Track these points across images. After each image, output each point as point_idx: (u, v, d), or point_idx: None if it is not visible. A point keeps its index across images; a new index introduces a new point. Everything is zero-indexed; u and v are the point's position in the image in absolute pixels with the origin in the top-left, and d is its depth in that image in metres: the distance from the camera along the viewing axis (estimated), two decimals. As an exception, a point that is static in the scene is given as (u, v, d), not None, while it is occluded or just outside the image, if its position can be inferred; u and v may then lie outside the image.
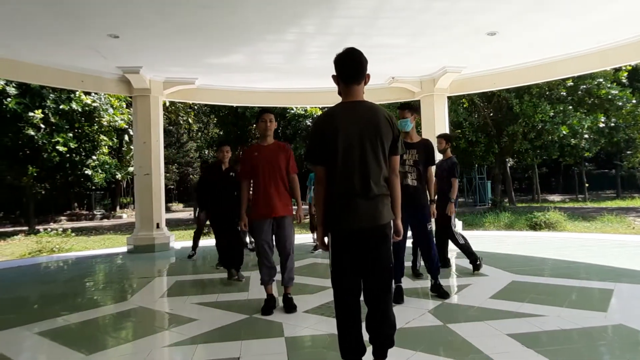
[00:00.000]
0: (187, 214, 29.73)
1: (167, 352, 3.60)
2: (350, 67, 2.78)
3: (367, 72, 2.81)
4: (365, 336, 2.75)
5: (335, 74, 2.83)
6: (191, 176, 43.20)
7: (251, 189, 4.69)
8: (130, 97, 10.09)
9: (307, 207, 10.29)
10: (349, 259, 2.71)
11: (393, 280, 2.84)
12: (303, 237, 11.07)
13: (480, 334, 3.59)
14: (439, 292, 4.83)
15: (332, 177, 2.72)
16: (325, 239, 2.81)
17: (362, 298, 2.76)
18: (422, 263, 5.25)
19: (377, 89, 10.50)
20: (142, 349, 3.61)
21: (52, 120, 16.66)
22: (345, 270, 2.72)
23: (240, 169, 4.76)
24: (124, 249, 9.74)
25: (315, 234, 10.13)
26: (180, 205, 40.94)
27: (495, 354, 3.17)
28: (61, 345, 3.76)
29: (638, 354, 3.21)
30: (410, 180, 4.70)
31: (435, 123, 10.30)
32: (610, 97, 18.35)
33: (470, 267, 6.07)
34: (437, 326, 3.92)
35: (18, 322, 4.42)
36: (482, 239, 9.72)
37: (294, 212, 4.66)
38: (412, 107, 4.96)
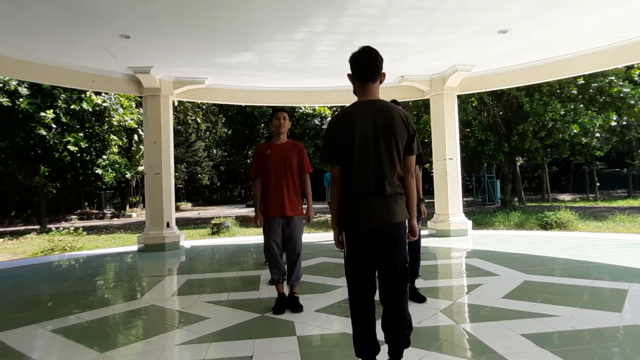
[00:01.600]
0: (196, 213, 29.87)
1: (180, 350, 3.61)
2: (367, 65, 2.77)
3: (383, 70, 2.80)
4: (380, 334, 2.74)
5: (350, 72, 2.82)
6: (199, 175, 43.41)
7: None
8: (141, 97, 10.13)
9: (328, 206, 10.32)
10: (363, 259, 2.72)
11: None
12: (313, 236, 11.08)
13: (493, 334, 3.57)
14: (416, 296, 4.64)
15: (347, 177, 2.73)
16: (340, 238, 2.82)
17: (377, 298, 2.75)
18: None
19: (386, 88, 10.46)
20: (155, 346, 3.63)
21: (63, 120, 16.77)
22: (360, 269, 2.73)
23: (252, 167, 4.77)
24: (135, 247, 9.79)
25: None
26: (189, 205, 41.12)
27: (510, 354, 3.15)
28: (75, 343, 3.79)
29: (654, 354, 3.18)
30: None
31: (445, 122, 10.27)
32: (622, 95, 18.17)
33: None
34: (450, 326, 3.91)
35: (32, 320, 4.47)
36: (492, 239, 9.68)
37: (304, 212, 4.66)
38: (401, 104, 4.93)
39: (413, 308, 4.34)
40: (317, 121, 22.88)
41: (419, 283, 5.20)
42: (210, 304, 4.92)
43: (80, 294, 5.73)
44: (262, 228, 4.65)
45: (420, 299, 4.60)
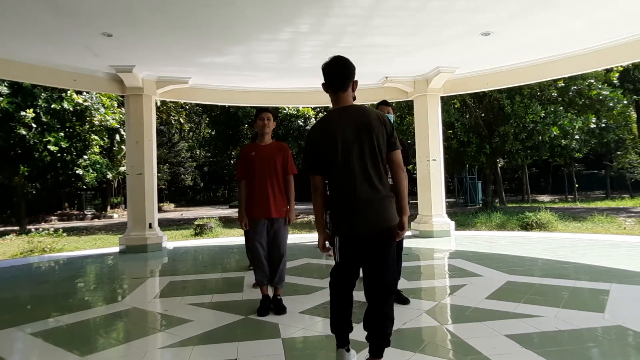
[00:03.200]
0: (179, 213, 29.61)
1: (163, 353, 3.56)
2: (336, 76, 2.85)
3: (355, 78, 2.88)
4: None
5: (324, 82, 2.90)
6: (183, 176, 43.05)
7: None
8: (123, 97, 9.99)
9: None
10: (357, 258, 2.79)
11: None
12: (297, 238, 11.06)
13: (478, 335, 3.59)
14: (399, 298, 4.60)
15: (333, 184, 2.79)
16: (327, 243, 2.87)
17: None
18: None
19: (369, 89, 10.50)
20: (137, 350, 3.57)
21: (44, 119, 16.49)
22: (351, 263, 2.82)
23: (237, 169, 4.74)
24: (116, 249, 9.65)
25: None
26: (172, 205, 40.73)
27: (495, 355, 3.16)
28: (55, 346, 3.71)
29: (638, 355, 3.22)
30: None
31: (429, 123, 10.33)
32: (601, 97, 18.48)
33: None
34: (435, 327, 3.93)
35: (11, 323, 4.36)
36: (475, 239, 9.76)
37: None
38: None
39: (396, 309, 4.35)
40: (300, 122, 22.84)
41: (402, 284, 5.21)
42: (193, 306, 4.87)
43: (61, 297, 5.63)
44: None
45: (403, 300, 4.60)
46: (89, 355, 3.48)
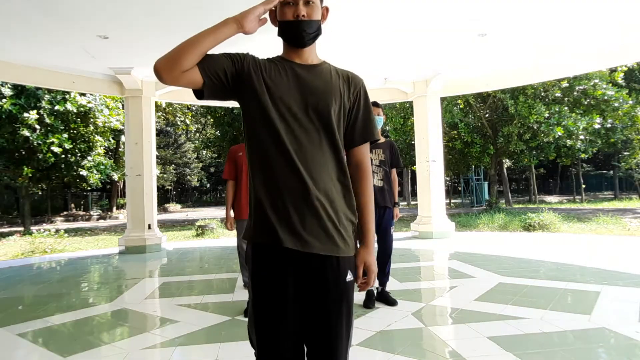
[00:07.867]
0: (184, 214, 29.73)
1: (144, 354, 3.56)
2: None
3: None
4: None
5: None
6: (189, 177, 43.24)
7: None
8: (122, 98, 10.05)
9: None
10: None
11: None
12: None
13: (460, 337, 3.58)
14: (387, 300, 4.62)
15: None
16: None
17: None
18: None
19: (370, 90, 10.44)
20: (120, 351, 3.58)
21: (47, 121, 16.60)
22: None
23: (224, 169, 4.75)
24: (116, 249, 9.70)
25: None
26: (178, 206, 40.93)
27: (473, 357, 3.14)
28: (39, 347, 3.74)
29: (619, 357, 3.19)
30: (376, 181, 4.60)
31: (428, 124, 10.29)
32: (606, 97, 18.35)
33: None
34: (419, 329, 3.90)
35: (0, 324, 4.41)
36: (474, 240, 9.71)
37: None
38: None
39: (384, 311, 4.37)
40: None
41: (393, 286, 5.20)
42: (182, 306, 4.88)
43: (54, 297, 5.65)
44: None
45: (391, 302, 4.59)
46: (73, 355, 3.49)
